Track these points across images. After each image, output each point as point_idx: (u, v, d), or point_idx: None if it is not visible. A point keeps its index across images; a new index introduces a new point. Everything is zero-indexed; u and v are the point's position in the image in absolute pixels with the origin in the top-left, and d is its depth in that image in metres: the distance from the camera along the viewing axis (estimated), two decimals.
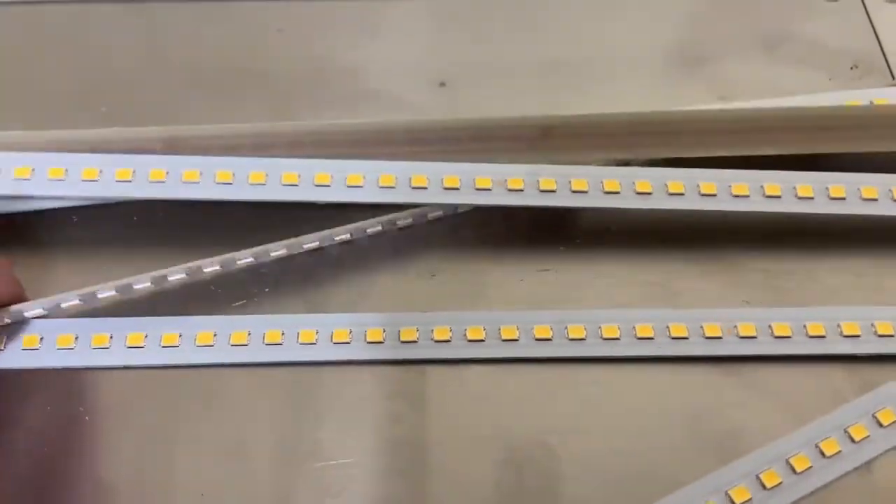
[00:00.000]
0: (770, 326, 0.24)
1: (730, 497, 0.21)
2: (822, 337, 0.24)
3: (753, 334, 0.24)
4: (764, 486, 0.22)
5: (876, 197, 0.26)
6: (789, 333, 0.24)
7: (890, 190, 0.26)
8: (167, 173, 0.25)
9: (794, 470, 0.22)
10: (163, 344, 0.24)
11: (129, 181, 0.25)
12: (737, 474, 0.22)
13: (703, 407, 0.24)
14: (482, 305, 0.26)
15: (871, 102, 0.29)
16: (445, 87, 0.31)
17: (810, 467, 0.22)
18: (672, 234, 0.27)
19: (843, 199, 0.26)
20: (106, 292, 0.24)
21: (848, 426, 0.23)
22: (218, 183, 0.25)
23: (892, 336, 0.24)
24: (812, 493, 0.22)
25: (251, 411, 0.24)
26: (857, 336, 0.24)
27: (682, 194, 0.26)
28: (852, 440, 0.22)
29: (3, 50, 0.31)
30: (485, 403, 0.24)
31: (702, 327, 0.24)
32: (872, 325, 0.25)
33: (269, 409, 0.24)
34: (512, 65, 0.31)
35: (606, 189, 0.26)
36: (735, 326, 0.25)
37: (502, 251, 0.27)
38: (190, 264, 0.25)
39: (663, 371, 0.24)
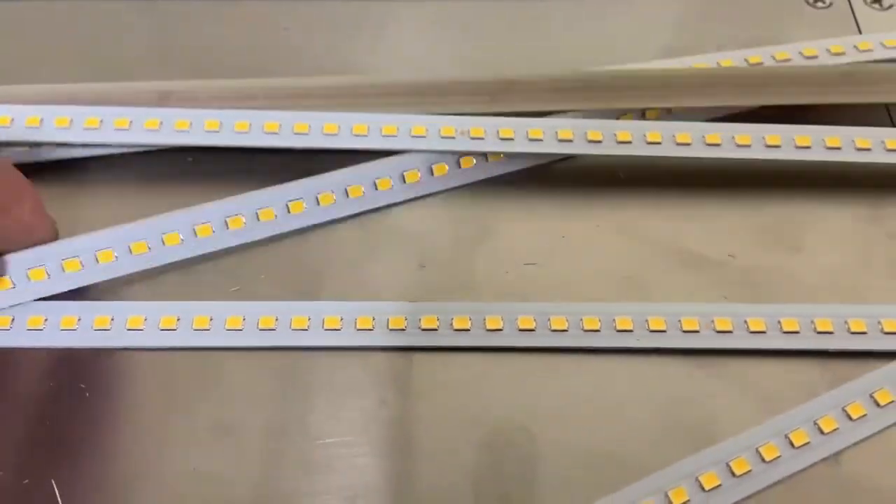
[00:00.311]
0: (746, 322, 0.25)
1: (700, 483, 0.22)
2: (797, 333, 0.25)
3: (730, 329, 0.25)
4: (733, 474, 0.22)
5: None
6: (764, 329, 0.25)
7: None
8: (161, 123, 0.28)
9: (763, 459, 0.23)
10: (161, 327, 0.25)
11: (127, 129, 0.28)
12: (708, 461, 0.23)
13: (679, 397, 0.25)
14: (469, 296, 0.26)
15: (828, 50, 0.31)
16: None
17: (779, 457, 0.23)
18: (653, 230, 0.28)
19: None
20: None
21: (817, 418, 0.24)
22: (207, 131, 0.27)
23: (865, 333, 0.25)
24: (780, 481, 0.22)
25: (243, 392, 0.25)
26: (831, 333, 0.25)
27: (629, 142, 0.28)
28: (821, 432, 0.23)
29: (15, 42, 0.33)
30: (469, 389, 0.25)
31: (680, 321, 0.25)
32: (846, 322, 0.25)
33: (260, 389, 0.25)
34: (507, 63, 0.32)
35: (560, 137, 0.28)
36: (712, 321, 0.25)
37: (489, 245, 0.28)
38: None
39: (641, 362, 0.25)
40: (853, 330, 0.25)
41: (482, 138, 0.28)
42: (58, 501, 0.22)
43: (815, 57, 0.31)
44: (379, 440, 0.24)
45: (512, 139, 0.28)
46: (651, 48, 0.33)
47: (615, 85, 0.29)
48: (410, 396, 0.25)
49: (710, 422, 0.24)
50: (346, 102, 0.29)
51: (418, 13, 0.34)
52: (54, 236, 0.26)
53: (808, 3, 0.33)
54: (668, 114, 0.29)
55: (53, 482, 0.23)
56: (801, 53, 0.31)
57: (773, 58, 0.31)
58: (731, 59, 0.31)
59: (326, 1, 0.34)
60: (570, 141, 0.28)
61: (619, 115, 0.29)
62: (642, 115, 0.29)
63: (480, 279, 0.27)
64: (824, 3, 0.33)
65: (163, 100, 0.28)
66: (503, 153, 0.28)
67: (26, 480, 0.23)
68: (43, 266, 0.25)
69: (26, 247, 0.25)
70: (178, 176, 0.29)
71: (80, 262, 0.26)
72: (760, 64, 0.31)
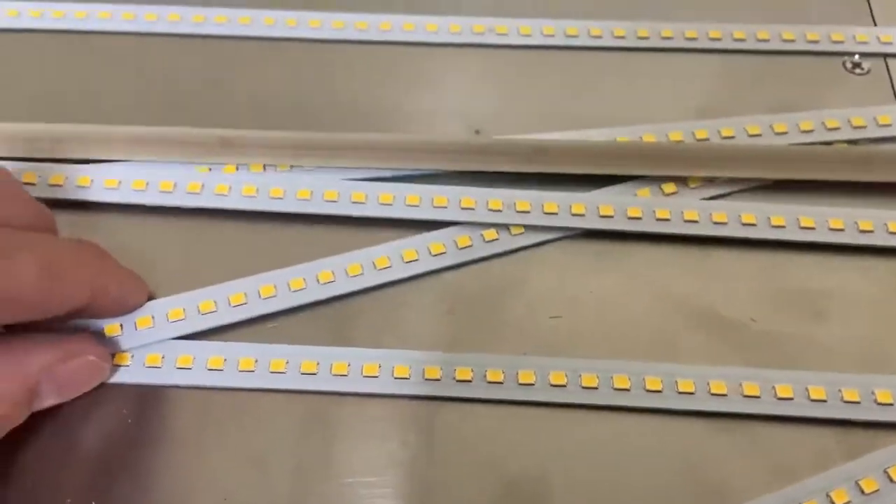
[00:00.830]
0: (774, 388, 0.27)
1: None
2: (824, 401, 0.27)
3: (758, 394, 0.27)
4: None
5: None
6: (792, 395, 0.27)
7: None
8: (230, 188, 0.31)
9: None
10: (208, 367, 0.28)
11: (199, 193, 0.31)
12: None
13: (697, 457, 0.26)
14: (495, 344, 0.29)
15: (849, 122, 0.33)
16: (480, 135, 0.34)
17: None
18: (677, 289, 0.30)
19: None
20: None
21: (830, 490, 0.25)
22: (271, 198, 0.31)
23: (891, 405, 0.27)
24: None
25: (278, 430, 0.27)
26: (858, 403, 0.27)
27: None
28: None
29: (75, 75, 0.36)
30: (492, 438, 0.27)
31: (708, 384, 0.27)
32: (873, 392, 0.27)
33: (291, 426, 0.27)
34: (542, 116, 0.34)
35: (601, 213, 0.31)
36: (740, 385, 0.27)
37: (515, 295, 0.30)
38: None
39: (667, 422, 0.27)
40: (880, 401, 0.27)
41: (528, 212, 0.31)
42: None
43: (837, 129, 0.33)
44: (400, 482, 0.26)
45: (556, 213, 0.31)
46: (684, 107, 0.34)
47: (645, 154, 0.32)
48: (435, 442, 0.27)
49: (725, 485, 0.26)
50: (390, 157, 0.32)
51: (453, 65, 0.36)
52: (144, 298, 0.28)
53: (846, 69, 0.35)
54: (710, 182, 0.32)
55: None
56: (823, 124, 0.33)
57: (798, 126, 0.33)
58: (758, 126, 0.33)
59: (372, 46, 0.37)
60: (611, 217, 0.31)
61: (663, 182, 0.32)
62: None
63: (506, 328, 0.29)
64: (862, 69, 0.35)
65: (224, 146, 0.31)
66: (549, 227, 0.31)
67: (69, 500, 0.26)
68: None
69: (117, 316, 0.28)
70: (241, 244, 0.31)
71: (152, 319, 0.29)
72: (785, 133, 0.33)
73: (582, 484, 0.26)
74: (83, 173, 0.31)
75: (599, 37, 0.37)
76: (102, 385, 0.27)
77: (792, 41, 0.36)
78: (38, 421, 0.26)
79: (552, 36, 0.37)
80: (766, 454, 0.27)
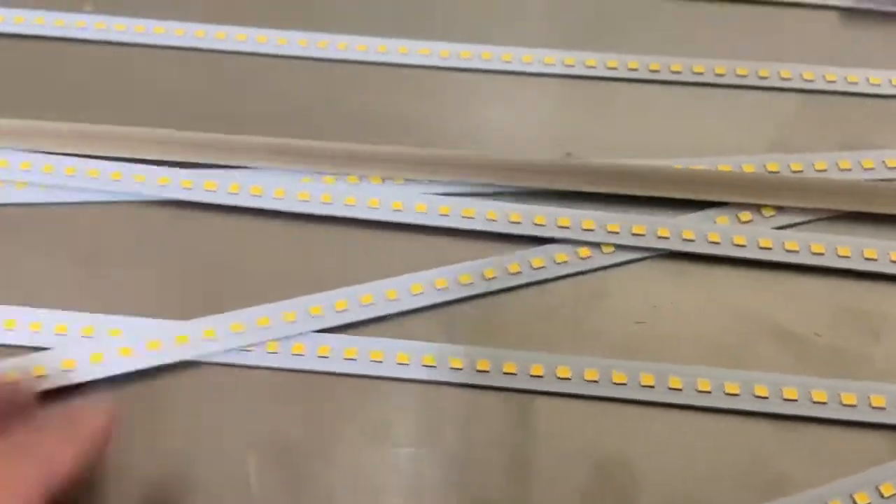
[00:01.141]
0: (839, 395, 0.31)
1: None
2: (883, 409, 0.31)
3: (825, 401, 0.31)
4: None
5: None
6: (855, 403, 0.31)
7: None
8: (357, 200, 0.35)
9: None
10: (345, 357, 0.32)
11: (331, 203, 0.35)
12: None
13: (762, 454, 0.31)
14: (586, 346, 0.33)
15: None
16: (571, 157, 0.38)
17: None
18: (751, 305, 0.34)
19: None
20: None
21: (879, 484, 0.29)
22: (393, 210, 0.35)
23: None
24: None
25: (398, 411, 0.32)
26: None
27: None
28: (882, 496, 0.29)
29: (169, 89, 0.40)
30: (588, 430, 0.31)
31: (781, 390, 0.31)
32: None
33: (411, 411, 0.32)
34: (628, 143, 0.38)
35: (684, 237, 0.35)
36: (809, 392, 0.32)
37: (605, 305, 0.34)
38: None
39: (741, 422, 0.31)
40: None
41: (618, 233, 0.35)
42: (250, 473, 0.30)
43: None
44: (503, 459, 0.31)
45: (643, 235, 0.35)
46: (758, 139, 0.38)
47: (728, 182, 0.36)
48: (537, 428, 0.31)
49: (787, 478, 0.30)
50: (492, 173, 0.36)
51: (541, 90, 0.40)
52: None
53: None
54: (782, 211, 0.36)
55: (250, 460, 0.30)
56: (884, 163, 0.37)
57: (861, 164, 0.37)
58: (825, 162, 0.37)
59: (464, 73, 0.40)
60: (693, 241, 0.35)
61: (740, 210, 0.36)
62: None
63: (596, 331, 0.33)
64: None
65: (351, 159, 0.36)
66: (637, 247, 0.35)
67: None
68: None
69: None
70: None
71: (296, 314, 0.33)
72: (849, 170, 0.37)
73: (663, 471, 0.30)
74: (233, 180, 0.36)
75: (679, 72, 0.41)
76: (253, 369, 0.32)
77: (855, 84, 0.40)
78: None
79: (635, 70, 0.41)
80: (826, 453, 0.31)
